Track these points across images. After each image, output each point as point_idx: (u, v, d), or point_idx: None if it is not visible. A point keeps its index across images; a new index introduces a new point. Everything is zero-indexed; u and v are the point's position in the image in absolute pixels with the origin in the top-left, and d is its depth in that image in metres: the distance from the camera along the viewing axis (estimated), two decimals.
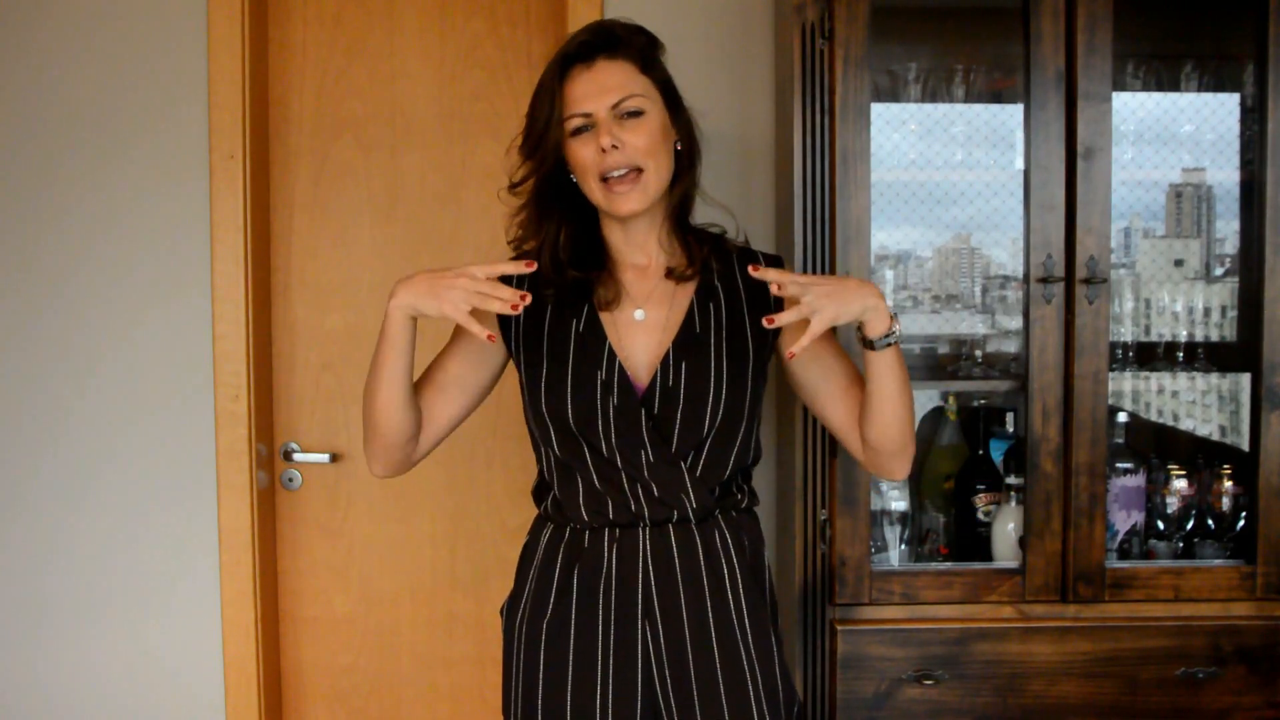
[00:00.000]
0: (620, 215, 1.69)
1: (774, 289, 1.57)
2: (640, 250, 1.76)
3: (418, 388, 1.77)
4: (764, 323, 1.58)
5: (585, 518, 1.72)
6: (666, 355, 1.70)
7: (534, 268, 1.63)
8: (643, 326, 1.73)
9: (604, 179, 1.66)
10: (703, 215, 1.81)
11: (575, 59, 1.67)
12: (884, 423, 1.70)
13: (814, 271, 2.09)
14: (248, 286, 2.47)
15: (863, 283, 1.61)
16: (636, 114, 1.66)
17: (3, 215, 2.48)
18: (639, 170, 1.66)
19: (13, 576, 2.52)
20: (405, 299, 1.63)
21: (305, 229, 2.60)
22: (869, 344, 1.64)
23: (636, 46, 1.69)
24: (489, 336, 1.59)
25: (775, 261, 1.79)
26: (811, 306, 1.57)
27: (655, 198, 1.69)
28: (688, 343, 1.71)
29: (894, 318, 1.63)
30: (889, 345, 1.64)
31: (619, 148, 1.64)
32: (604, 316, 1.73)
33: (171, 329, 2.49)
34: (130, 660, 2.53)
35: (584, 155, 1.67)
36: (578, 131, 1.67)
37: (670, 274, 1.75)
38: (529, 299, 1.59)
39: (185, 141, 2.46)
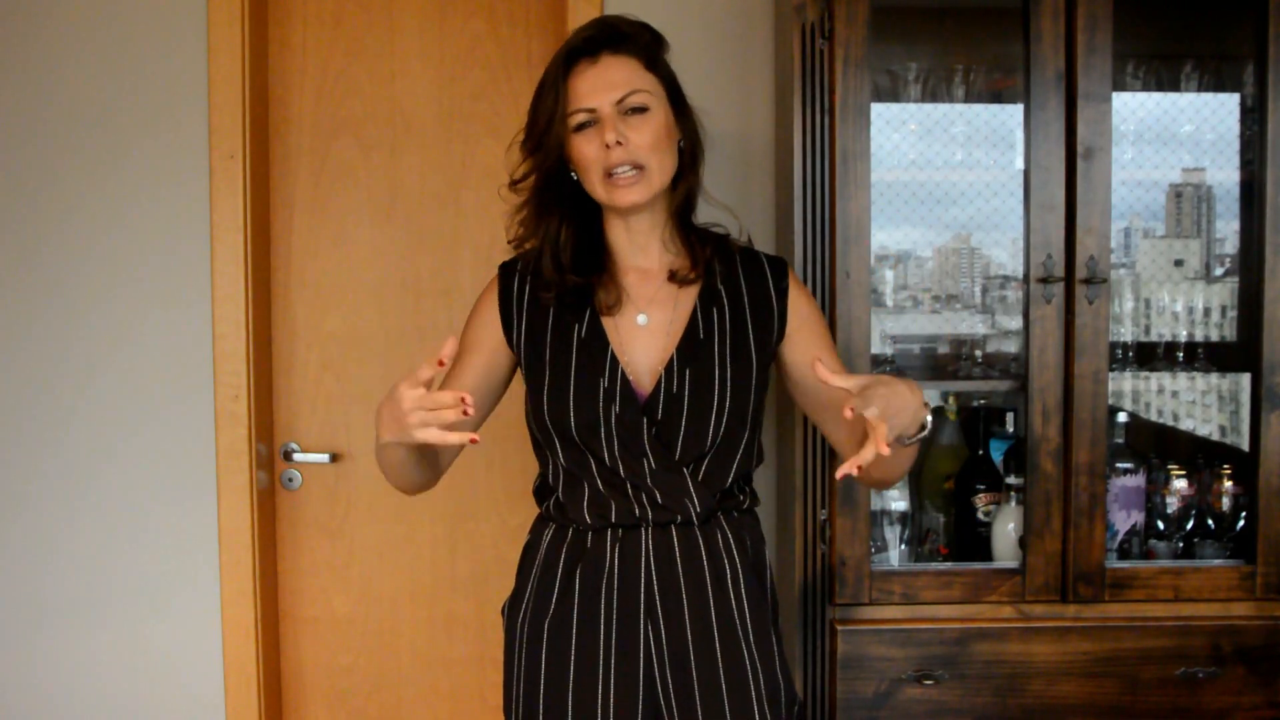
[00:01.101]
0: (622, 207, 1.67)
1: (832, 380, 1.50)
2: (642, 251, 1.75)
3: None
4: (846, 413, 1.49)
5: (588, 520, 1.71)
6: (670, 361, 1.69)
7: (445, 365, 1.44)
8: (646, 331, 1.72)
9: (607, 174, 1.65)
10: (705, 215, 1.80)
11: (580, 53, 1.66)
12: (886, 476, 1.72)
13: (814, 271, 2.09)
14: (248, 286, 2.47)
15: (909, 384, 1.53)
16: (641, 110, 1.65)
17: (4, 215, 2.48)
18: (641, 167, 1.65)
19: (13, 576, 2.52)
20: (388, 438, 1.53)
21: (305, 229, 2.60)
22: (900, 439, 1.56)
23: (642, 43, 1.68)
24: (472, 440, 1.46)
25: (778, 265, 1.78)
26: (880, 417, 1.47)
27: (657, 191, 1.68)
28: (691, 348, 1.70)
29: (929, 410, 1.57)
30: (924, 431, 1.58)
31: (623, 144, 1.63)
32: (606, 321, 1.72)
33: (172, 329, 2.49)
34: (130, 660, 2.53)
35: (587, 151, 1.66)
36: (581, 127, 1.66)
37: (673, 277, 1.74)
38: (469, 400, 1.44)
39: (185, 142, 2.46)
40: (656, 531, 1.70)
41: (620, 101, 1.64)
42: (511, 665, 1.77)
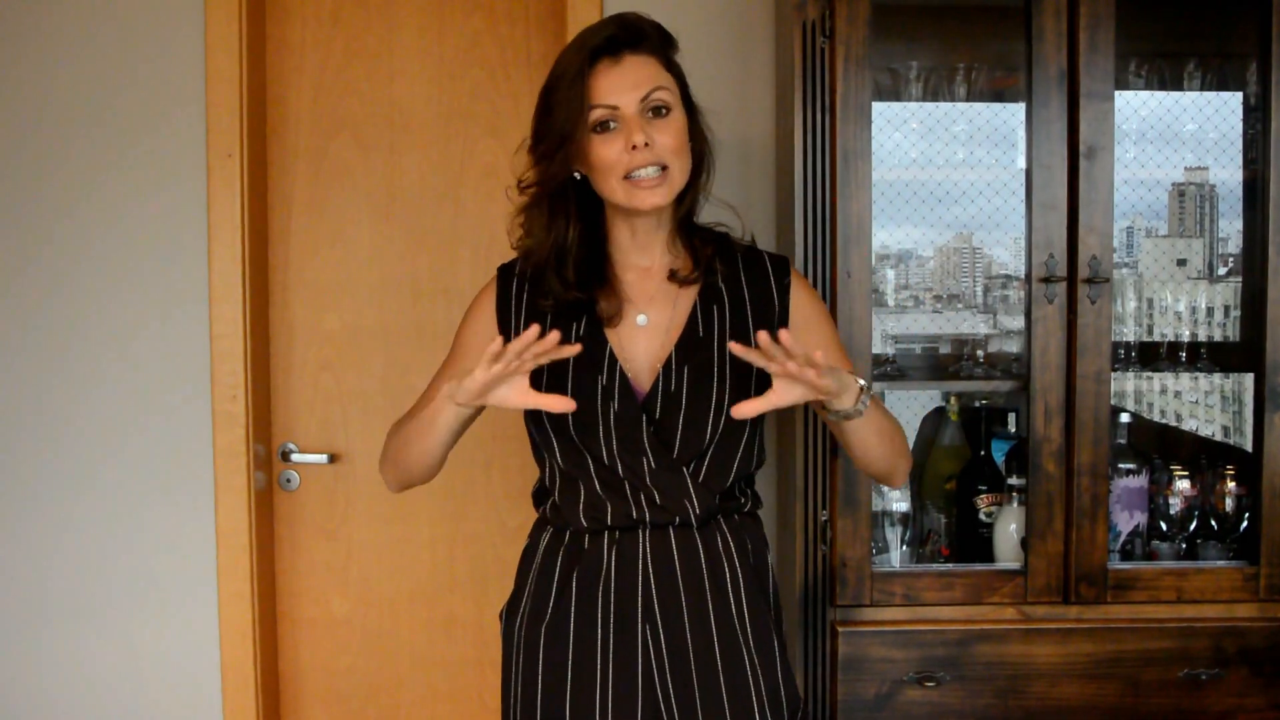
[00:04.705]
0: (643, 210, 1.63)
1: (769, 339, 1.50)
2: (644, 250, 1.73)
3: (419, 404, 1.76)
4: (736, 411, 1.52)
5: (584, 523, 1.69)
6: (669, 359, 1.67)
7: (553, 338, 1.51)
8: (645, 330, 1.71)
9: (627, 176, 1.61)
10: (709, 214, 1.78)
11: (602, 52, 1.61)
12: (866, 462, 1.70)
13: (816, 270, 2.08)
14: (245, 286, 2.46)
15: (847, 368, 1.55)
16: (664, 110, 1.62)
17: (2, 215, 2.47)
18: (665, 169, 1.62)
19: (12, 577, 2.51)
20: (464, 399, 1.57)
21: (303, 228, 2.59)
22: (837, 414, 1.57)
23: (659, 42, 1.65)
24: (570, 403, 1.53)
25: (780, 262, 1.77)
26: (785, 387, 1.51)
27: (676, 194, 1.65)
28: (690, 346, 1.68)
29: (862, 388, 1.56)
30: (858, 414, 1.58)
31: (650, 145, 1.59)
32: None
33: (169, 329, 2.48)
34: (128, 661, 2.52)
35: (607, 154, 1.61)
36: (601, 127, 1.61)
37: (673, 276, 1.72)
38: (572, 404, 1.53)
39: (183, 141, 2.45)
40: (654, 533, 1.68)
41: (645, 99, 1.60)
42: (509, 671, 1.75)
